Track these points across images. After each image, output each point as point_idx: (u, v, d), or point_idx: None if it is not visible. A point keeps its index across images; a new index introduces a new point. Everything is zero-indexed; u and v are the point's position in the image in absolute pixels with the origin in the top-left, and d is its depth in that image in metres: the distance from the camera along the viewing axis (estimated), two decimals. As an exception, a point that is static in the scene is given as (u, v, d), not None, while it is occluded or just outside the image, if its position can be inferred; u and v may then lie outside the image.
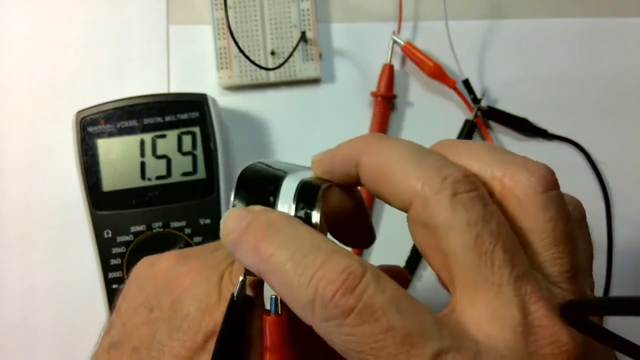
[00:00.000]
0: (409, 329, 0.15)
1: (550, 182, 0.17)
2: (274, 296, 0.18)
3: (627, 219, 0.41)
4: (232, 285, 0.19)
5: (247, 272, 0.19)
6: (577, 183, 0.41)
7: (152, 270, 0.22)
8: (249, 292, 0.19)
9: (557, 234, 0.17)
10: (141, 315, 0.21)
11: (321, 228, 0.19)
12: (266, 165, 0.21)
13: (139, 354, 0.20)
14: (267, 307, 0.18)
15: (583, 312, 0.16)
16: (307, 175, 0.21)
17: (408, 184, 0.17)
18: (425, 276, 0.40)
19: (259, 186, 0.20)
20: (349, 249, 0.18)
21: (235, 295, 0.19)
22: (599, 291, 0.40)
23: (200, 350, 0.19)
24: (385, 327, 0.15)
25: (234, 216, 0.19)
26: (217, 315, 0.19)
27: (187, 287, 0.20)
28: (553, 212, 0.17)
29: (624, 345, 0.15)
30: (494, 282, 0.16)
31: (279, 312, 0.18)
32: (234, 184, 0.20)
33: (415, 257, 0.40)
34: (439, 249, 0.17)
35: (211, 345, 0.19)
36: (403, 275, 0.27)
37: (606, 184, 0.41)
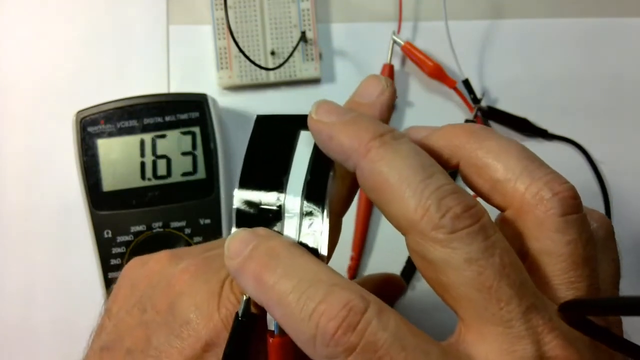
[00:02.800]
0: None
1: (572, 205, 0.17)
2: None
3: (627, 219, 0.41)
4: (234, 294, 0.19)
5: None
6: (577, 183, 0.40)
7: (144, 270, 0.22)
8: (253, 309, 0.19)
9: (575, 257, 0.16)
10: (134, 316, 0.21)
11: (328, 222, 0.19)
12: (269, 139, 0.20)
13: (133, 356, 0.19)
14: (270, 327, 0.18)
15: (583, 312, 0.16)
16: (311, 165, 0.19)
17: (405, 212, 0.16)
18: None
19: (265, 183, 0.19)
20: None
21: (240, 314, 0.18)
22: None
23: (198, 359, 0.19)
24: None
25: (238, 240, 0.18)
26: (217, 323, 0.19)
27: (184, 290, 0.20)
28: (572, 235, 0.16)
29: (624, 345, 0.15)
30: (502, 317, 0.15)
31: (283, 333, 0.18)
32: (233, 210, 0.19)
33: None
34: (440, 282, 0.16)
35: (209, 356, 0.18)
36: (399, 283, 0.26)
37: (606, 184, 0.41)
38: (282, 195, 0.19)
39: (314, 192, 0.19)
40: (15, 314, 0.39)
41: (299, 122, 0.20)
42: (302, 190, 0.19)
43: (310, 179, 0.19)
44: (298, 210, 0.19)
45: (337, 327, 0.15)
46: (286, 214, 0.19)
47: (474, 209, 0.16)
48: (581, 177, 0.41)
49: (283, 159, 0.19)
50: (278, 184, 0.19)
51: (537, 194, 0.17)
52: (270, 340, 0.18)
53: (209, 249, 0.22)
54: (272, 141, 0.20)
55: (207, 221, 0.36)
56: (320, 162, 0.19)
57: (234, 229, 0.19)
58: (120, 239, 0.36)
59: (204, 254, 0.22)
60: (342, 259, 0.40)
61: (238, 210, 0.19)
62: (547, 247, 0.16)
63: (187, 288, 0.20)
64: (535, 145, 0.41)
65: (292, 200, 0.19)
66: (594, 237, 0.17)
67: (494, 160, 0.17)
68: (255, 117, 0.21)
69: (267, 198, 0.19)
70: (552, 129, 0.41)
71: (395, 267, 0.40)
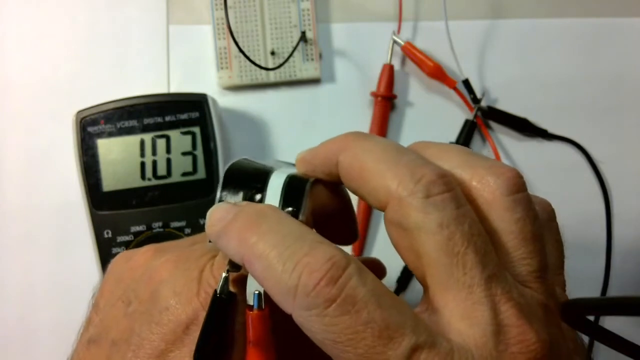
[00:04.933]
0: (388, 322, 0.15)
1: (517, 184, 0.17)
2: (257, 292, 0.18)
3: (626, 219, 0.41)
4: (213, 278, 0.19)
5: (230, 269, 0.19)
6: (577, 183, 0.41)
7: (129, 264, 0.22)
8: (231, 288, 0.19)
9: (525, 234, 0.17)
10: (119, 309, 0.21)
11: (307, 222, 0.19)
12: (252, 161, 0.21)
13: (118, 347, 0.20)
14: (250, 302, 0.18)
15: (583, 312, 0.16)
16: (293, 171, 0.21)
17: (383, 184, 0.17)
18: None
19: (246, 182, 0.20)
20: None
21: (218, 291, 0.19)
22: (597, 291, 0.40)
23: (180, 342, 0.19)
24: (365, 319, 0.15)
25: (221, 209, 0.19)
26: (196, 306, 0.19)
27: (164, 278, 0.20)
28: (520, 213, 0.17)
29: (624, 345, 0.15)
30: (465, 282, 0.16)
31: (262, 307, 0.18)
32: (220, 180, 0.20)
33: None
34: (412, 249, 0.17)
35: (191, 336, 0.19)
36: (380, 267, 0.27)
37: (606, 184, 0.41)
38: (264, 185, 0.20)
39: (291, 196, 0.20)
40: (15, 314, 0.39)
41: (268, 172, 0.21)
42: (281, 195, 0.20)
43: (287, 189, 0.20)
44: (280, 189, 0.20)
45: (320, 278, 0.15)
46: (268, 191, 0.20)
47: (447, 177, 0.17)
48: (581, 177, 0.41)
49: (259, 180, 0.21)
50: (257, 190, 0.20)
51: (482, 179, 0.18)
52: (250, 314, 0.18)
53: (194, 242, 0.23)
54: (245, 179, 0.21)
55: (207, 221, 0.36)
56: (294, 183, 0.20)
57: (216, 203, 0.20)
58: (120, 239, 0.36)
59: (189, 247, 0.22)
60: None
61: (221, 194, 0.20)
62: (497, 226, 0.17)
63: (168, 276, 0.20)
64: (535, 145, 0.41)
65: (274, 183, 0.20)
66: (539, 217, 0.18)
67: (438, 161, 0.18)
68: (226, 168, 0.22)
69: (252, 180, 0.20)
70: (552, 129, 0.41)
71: (395, 267, 0.40)
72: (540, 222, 0.18)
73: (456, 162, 0.18)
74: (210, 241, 0.19)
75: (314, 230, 0.18)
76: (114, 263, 0.23)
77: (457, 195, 0.17)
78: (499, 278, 0.16)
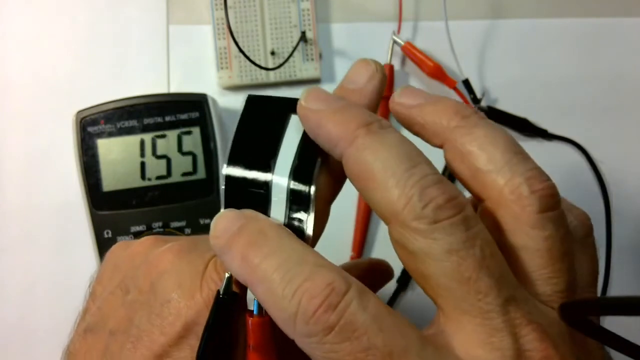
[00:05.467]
0: (391, 348, 0.15)
1: (550, 203, 0.17)
2: (256, 299, 0.18)
3: (626, 219, 0.41)
4: (217, 274, 0.19)
5: None
6: (577, 183, 0.41)
7: (128, 251, 0.22)
8: (234, 288, 0.19)
9: (552, 253, 0.16)
10: (117, 297, 0.21)
11: (321, 196, 0.19)
12: (259, 116, 0.20)
13: (116, 337, 0.19)
14: (250, 307, 0.18)
15: (583, 312, 0.16)
16: (301, 135, 0.19)
17: (389, 201, 0.16)
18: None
19: (248, 190, 0.19)
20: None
21: (221, 292, 0.18)
22: (597, 291, 0.40)
23: (180, 338, 0.19)
24: (366, 345, 0.15)
25: (225, 219, 0.18)
26: (198, 303, 0.19)
27: (166, 269, 0.20)
28: (549, 231, 0.16)
29: (624, 345, 0.15)
30: (481, 308, 0.15)
31: (263, 314, 0.18)
32: (222, 186, 0.20)
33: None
34: (419, 272, 0.16)
35: (191, 335, 0.19)
36: (387, 269, 0.26)
37: (606, 184, 0.41)
38: (269, 178, 0.19)
39: (301, 176, 0.19)
40: (15, 314, 0.39)
41: (290, 105, 0.20)
42: (290, 174, 0.19)
43: (298, 164, 0.19)
44: (285, 194, 0.19)
45: (319, 305, 0.15)
46: (273, 197, 0.19)
47: (457, 200, 0.16)
48: (581, 177, 0.41)
49: (272, 141, 0.19)
50: (266, 166, 0.19)
51: (515, 190, 0.17)
52: (250, 320, 0.18)
53: (197, 238, 0.23)
54: (262, 122, 0.20)
55: (207, 221, 0.36)
56: (309, 148, 0.19)
57: (222, 210, 0.19)
58: (120, 239, 0.36)
59: (192, 240, 0.22)
60: (342, 259, 0.40)
61: (226, 192, 0.19)
62: (524, 243, 0.16)
63: (170, 267, 0.20)
64: (535, 145, 0.41)
65: (279, 183, 0.19)
66: (571, 233, 0.17)
67: (478, 149, 0.17)
68: (246, 96, 0.21)
69: (255, 179, 0.19)
70: (552, 129, 0.41)
71: (395, 267, 0.39)
72: (572, 238, 0.17)
73: (497, 158, 0.17)
74: None
75: (314, 249, 0.18)
76: (112, 251, 0.23)
77: (466, 216, 0.16)
78: (518, 300, 0.15)
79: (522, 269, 0.16)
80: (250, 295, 0.18)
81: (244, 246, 0.17)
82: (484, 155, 0.17)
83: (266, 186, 0.19)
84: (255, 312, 0.18)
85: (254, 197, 0.19)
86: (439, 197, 0.16)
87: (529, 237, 0.16)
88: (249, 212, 0.19)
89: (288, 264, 0.16)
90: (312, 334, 0.15)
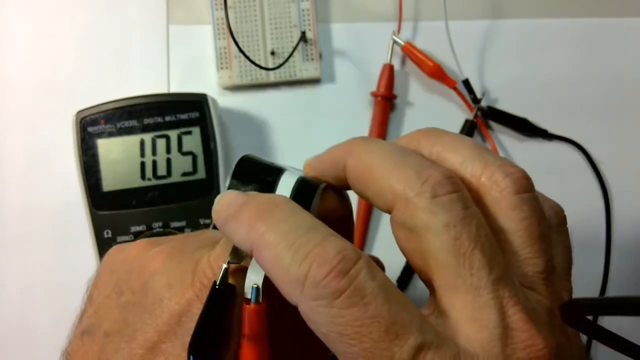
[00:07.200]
0: (395, 318, 0.15)
1: (524, 184, 0.18)
2: (255, 286, 0.18)
3: (626, 219, 0.41)
4: (210, 269, 0.19)
5: (231, 260, 0.19)
6: (577, 183, 0.41)
7: (122, 255, 0.23)
8: (230, 280, 0.19)
9: (531, 233, 0.17)
10: (112, 300, 0.21)
11: None
12: (264, 158, 0.21)
13: (111, 339, 0.20)
14: (247, 296, 0.18)
15: (583, 312, 0.16)
16: (303, 175, 0.21)
17: (390, 186, 0.17)
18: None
19: (258, 175, 0.20)
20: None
21: (217, 282, 0.18)
22: (597, 291, 0.40)
23: (173, 333, 0.19)
24: (373, 313, 0.15)
25: (231, 195, 0.19)
26: (190, 296, 0.19)
27: (157, 269, 0.20)
28: (526, 212, 0.17)
29: (624, 345, 0.15)
30: (472, 284, 0.16)
31: (260, 301, 0.18)
32: (232, 169, 0.20)
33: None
34: (419, 250, 0.17)
35: (184, 327, 0.19)
36: (379, 265, 0.27)
37: (606, 184, 0.41)
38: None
39: (302, 196, 0.20)
40: (15, 314, 0.39)
41: (280, 170, 0.21)
42: (291, 194, 0.20)
43: (298, 188, 0.20)
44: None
45: (330, 270, 0.15)
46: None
47: (454, 179, 0.17)
48: (581, 177, 0.41)
49: (271, 175, 0.20)
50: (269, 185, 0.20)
51: (492, 177, 0.18)
52: (246, 307, 0.18)
53: (188, 236, 0.23)
54: (257, 172, 0.21)
55: (207, 221, 0.36)
56: (306, 185, 0.20)
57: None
58: (120, 239, 0.36)
59: (183, 239, 0.22)
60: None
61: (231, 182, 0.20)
62: (504, 225, 0.17)
63: (161, 267, 0.20)
64: (535, 145, 0.41)
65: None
66: (546, 218, 0.18)
67: (450, 152, 0.19)
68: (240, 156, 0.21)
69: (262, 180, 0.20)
70: (552, 129, 0.41)
71: (395, 267, 0.40)
72: (548, 223, 0.18)
73: (468, 155, 0.18)
74: (214, 227, 0.19)
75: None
76: (108, 255, 0.24)
77: (464, 196, 0.17)
78: (507, 281, 0.16)
79: (505, 252, 0.17)
80: (248, 282, 0.18)
81: (252, 215, 0.18)
82: (457, 156, 0.18)
83: (273, 180, 0.20)
84: (252, 301, 0.18)
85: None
86: (436, 174, 0.17)
87: (508, 219, 0.17)
88: (254, 192, 0.19)
89: (299, 231, 0.17)
90: (320, 297, 0.15)
